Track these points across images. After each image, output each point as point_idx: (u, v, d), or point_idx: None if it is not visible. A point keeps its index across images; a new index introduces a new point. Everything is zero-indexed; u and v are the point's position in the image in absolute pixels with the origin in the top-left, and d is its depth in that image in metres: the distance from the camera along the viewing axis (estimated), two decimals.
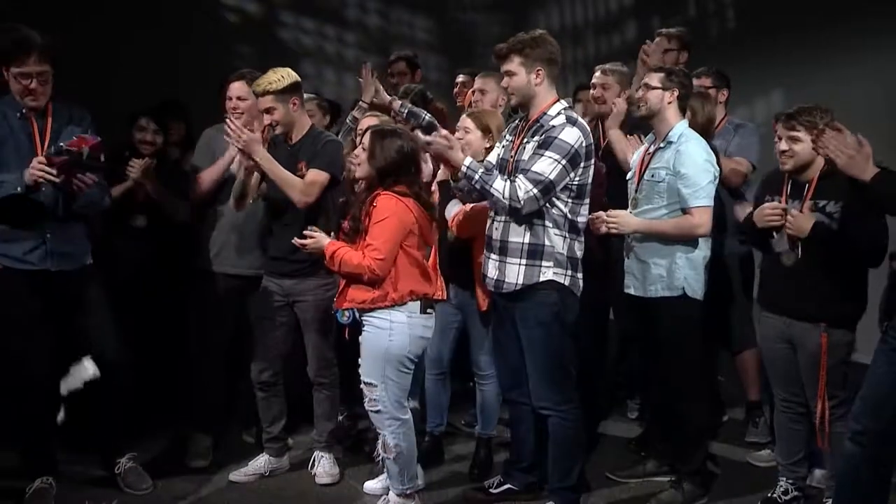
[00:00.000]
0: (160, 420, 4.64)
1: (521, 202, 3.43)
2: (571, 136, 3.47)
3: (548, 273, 3.55)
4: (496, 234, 3.64)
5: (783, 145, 3.62)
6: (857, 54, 5.92)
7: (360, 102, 4.93)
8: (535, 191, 3.43)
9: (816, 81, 5.92)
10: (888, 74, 5.79)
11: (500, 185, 3.45)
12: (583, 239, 3.66)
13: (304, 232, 3.62)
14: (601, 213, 3.83)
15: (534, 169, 3.44)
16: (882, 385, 3.13)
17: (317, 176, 3.92)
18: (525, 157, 3.53)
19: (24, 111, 3.73)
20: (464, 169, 3.47)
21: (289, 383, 4.25)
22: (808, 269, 3.57)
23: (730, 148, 4.62)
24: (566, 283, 3.58)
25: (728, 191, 4.51)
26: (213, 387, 4.41)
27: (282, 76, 3.90)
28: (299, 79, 3.98)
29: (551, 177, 3.44)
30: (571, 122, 3.52)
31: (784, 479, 3.86)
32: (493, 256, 3.66)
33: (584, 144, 3.51)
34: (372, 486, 4.03)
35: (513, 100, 3.67)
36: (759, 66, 6.12)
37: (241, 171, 4.00)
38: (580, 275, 3.65)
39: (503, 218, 3.61)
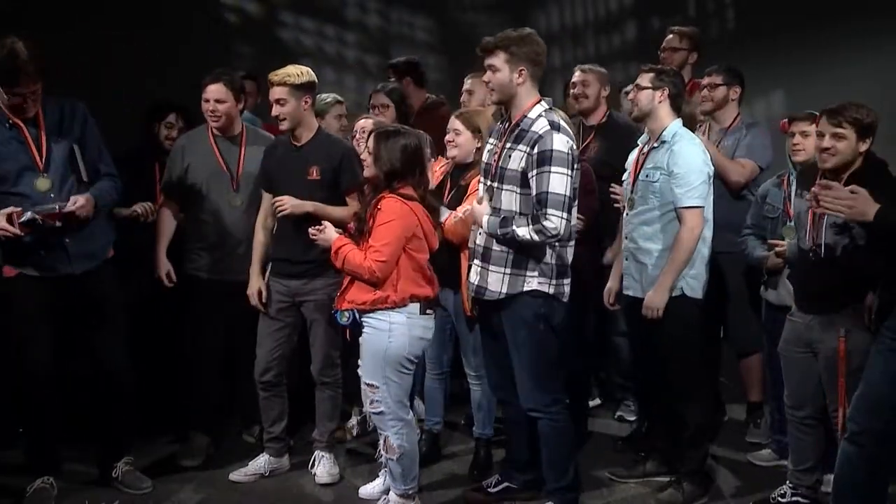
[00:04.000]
0: (160, 420, 4.64)
1: (559, 232, 3.40)
2: (562, 143, 3.43)
3: (532, 283, 3.53)
4: (479, 241, 3.62)
5: (826, 142, 3.46)
6: (857, 54, 5.92)
7: None
8: (565, 214, 3.41)
9: (816, 81, 5.93)
10: (888, 74, 5.80)
11: (523, 232, 3.42)
12: (573, 244, 3.63)
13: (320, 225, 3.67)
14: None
15: (551, 191, 3.39)
16: (879, 385, 3.12)
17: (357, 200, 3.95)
18: (513, 165, 3.49)
19: (11, 121, 3.65)
20: (487, 230, 3.50)
21: (289, 383, 4.24)
22: (833, 266, 3.51)
23: (738, 149, 4.60)
24: (550, 291, 3.55)
25: (729, 192, 4.50)
26: (211, 387, 4.41)
27: (301, 72, 3.95)
28: (316, 80, 4.03)
29: (568, 193, 3.42)
30: (555, 127, 3.46)
31: (788, 483, 3.85)
32: (476, 262, 3.65)
33: (573, 148, 3.49)
34: (369, 490, 4.01)
35: (493, 96, 3.64)
36: (759, 66, 6.11)
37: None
38: (566, 280, 3.62)
39: None
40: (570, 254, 3.62)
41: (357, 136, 4.32)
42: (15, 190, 3.63)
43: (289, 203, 3.89)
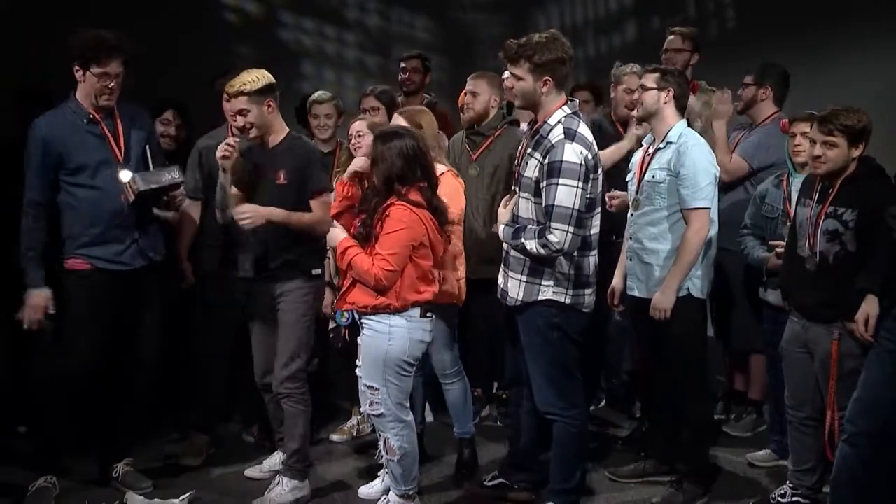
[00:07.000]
0: (160, 420, 4.64)
1: (563, 246, 3.37)
2: (573, 154, 3.36)
3: (547, 292, 3.50)
4: (504, 245, 3.64)
5: (817, 150, 3.49)
6: (857, 54, 5.91)
7: None
8: (571, 228, 3.35)
9: (816, 81, 5.92)
10: (888, 74, 5.79)
11: (532, 245, 3.41)
12: (595, 252, 3.59)
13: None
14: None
15: (557, 204, 3.34)
16: (876, 387, 3.13)
17: (325, 199, 3.85)
18: (528, 172, 3.47)
19: (90, 115, 3.76)
20: (502, 239, 3.55)
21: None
22: (824, 275, 3.54)
23: (743, 144, 4.63)
24: (567, 301, 3.52)
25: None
26: (213, 387, 4.41)
27: (256, 77, 3.77)
28: (274, 80, 3.83)
29: (576, 206, 3.35)
30: (570, 136, 3.39)
31: (788, 483, 3.85)
32: (502, 266, 3.67)
33: (588, 157, 3.41)
34: (368, 490, 4.01)
35: (516, 102, 3.61)
36: None
37: (223, 178, 3.86)
38: (587, 290, 3.57)
39: None
40: (590, 263, 3.57)
41: (353, 139, 4.30)
42: (92, 183, 3.73)
43: (250, 215, 3.70)
